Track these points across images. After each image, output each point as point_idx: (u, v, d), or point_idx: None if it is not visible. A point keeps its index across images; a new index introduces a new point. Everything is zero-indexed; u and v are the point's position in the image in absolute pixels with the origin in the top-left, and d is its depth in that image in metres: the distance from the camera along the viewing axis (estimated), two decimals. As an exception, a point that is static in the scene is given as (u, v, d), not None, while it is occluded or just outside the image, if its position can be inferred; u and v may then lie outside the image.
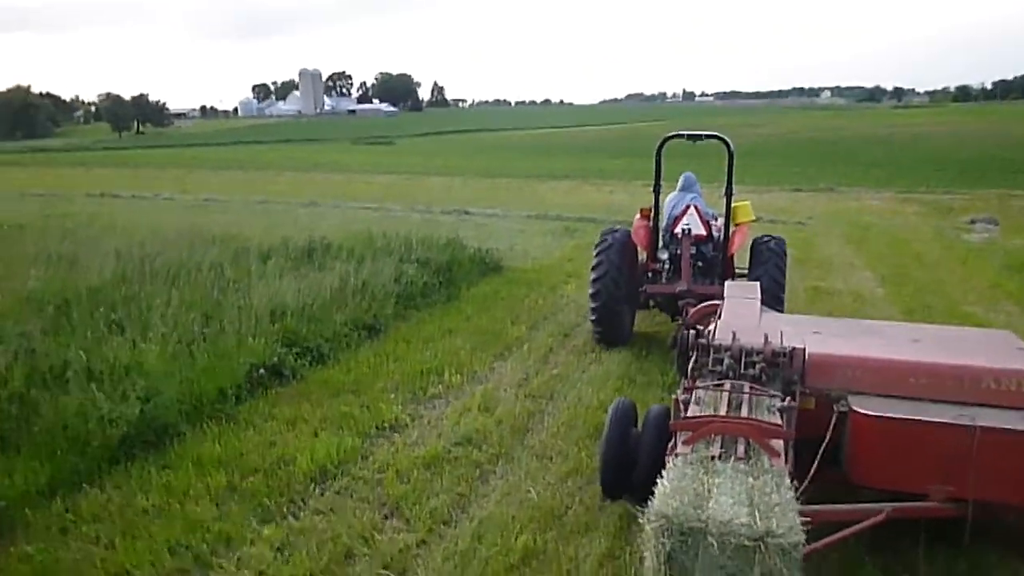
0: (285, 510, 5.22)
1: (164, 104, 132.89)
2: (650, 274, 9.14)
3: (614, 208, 21.59)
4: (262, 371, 7.37)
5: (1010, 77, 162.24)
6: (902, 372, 4.51)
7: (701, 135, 9.26)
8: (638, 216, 9.33)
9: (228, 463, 5.78)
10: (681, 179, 9.55)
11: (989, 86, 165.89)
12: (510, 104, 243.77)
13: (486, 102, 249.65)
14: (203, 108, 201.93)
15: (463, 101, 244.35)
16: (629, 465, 4.67)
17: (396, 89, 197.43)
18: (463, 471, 5.80)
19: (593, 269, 8.70)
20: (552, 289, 11.82)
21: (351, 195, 25.75)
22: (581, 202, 23.87)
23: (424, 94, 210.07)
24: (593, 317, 8.71)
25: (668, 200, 9.45)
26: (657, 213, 9.27)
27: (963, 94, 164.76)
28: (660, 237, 9.29)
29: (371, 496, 5.43)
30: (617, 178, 31.73)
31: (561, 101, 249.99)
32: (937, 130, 63.83)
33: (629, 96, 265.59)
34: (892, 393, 4.44)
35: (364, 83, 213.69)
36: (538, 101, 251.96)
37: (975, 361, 4.56)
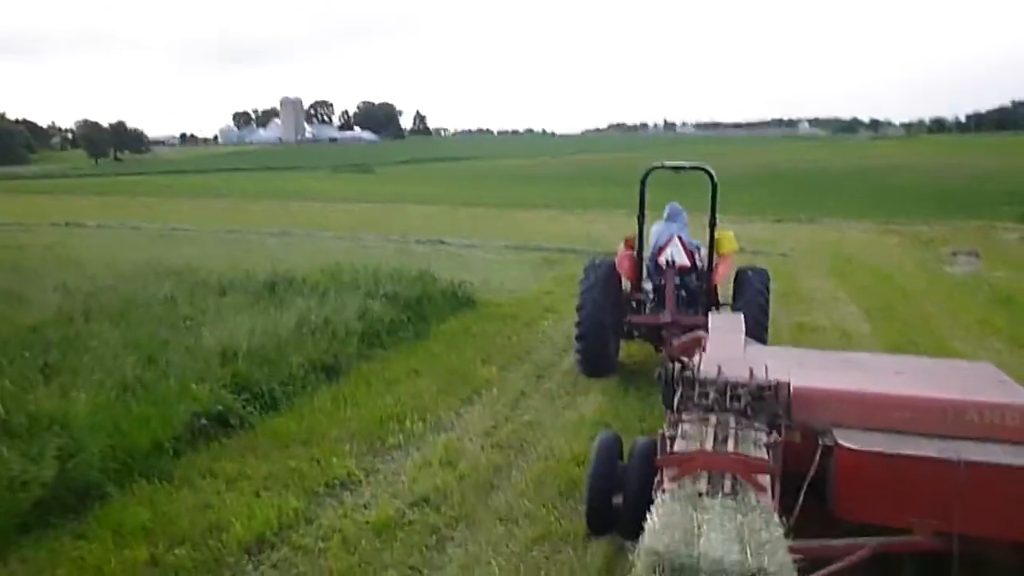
0: (211, 589, 4.60)
1: (142, 131, 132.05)
2: (634, 304, 9.09)
3: (594, 238, 21.15)
4: (205, 421, 6.73)
5: (983, 110, 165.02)
6: (886, 405, 4.49)
7: (685, 166, 9.28)
8: (622, 246, 9.31)
9: (153, 531, 5.13)
10: (667, 209, 9.50)
11: (963, 119, 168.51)
12: (492, 133, 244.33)
13: (468, 131, 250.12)
14: (183, 136, 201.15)
15: (445, 130, 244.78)
16: (615, 499, 4.65)
17: (378, 117, 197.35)
18: (418, 538, 5.19)
19: (579, 306, 8.64)
20: (528, 325, 11.28)
21: (326, 224, 25.20)
22: (561, 232, 23.45)
23: (406, 123, 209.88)
24: (578, 348, 8.64)
25: (653, 230, 9.40)
26: (641, 243, 9.27)
27: (938, 126, 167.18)
28: (645, 267, 9.24)
29: (311, 571, 4.81)
30: (599, 208, 31.40)
31: (543, 130, 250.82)
32: (913, 161, 64.45)
33: (611, 126, 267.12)
34: (877, 426, 4.42)
35: (346, 111, 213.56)
36: (520, 130, 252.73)
37: (959, 394, 4.56)
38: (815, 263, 18.04)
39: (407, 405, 7.61)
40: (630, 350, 9.54)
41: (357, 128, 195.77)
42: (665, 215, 9.47)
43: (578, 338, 8.64)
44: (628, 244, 9.27)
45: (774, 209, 29.52)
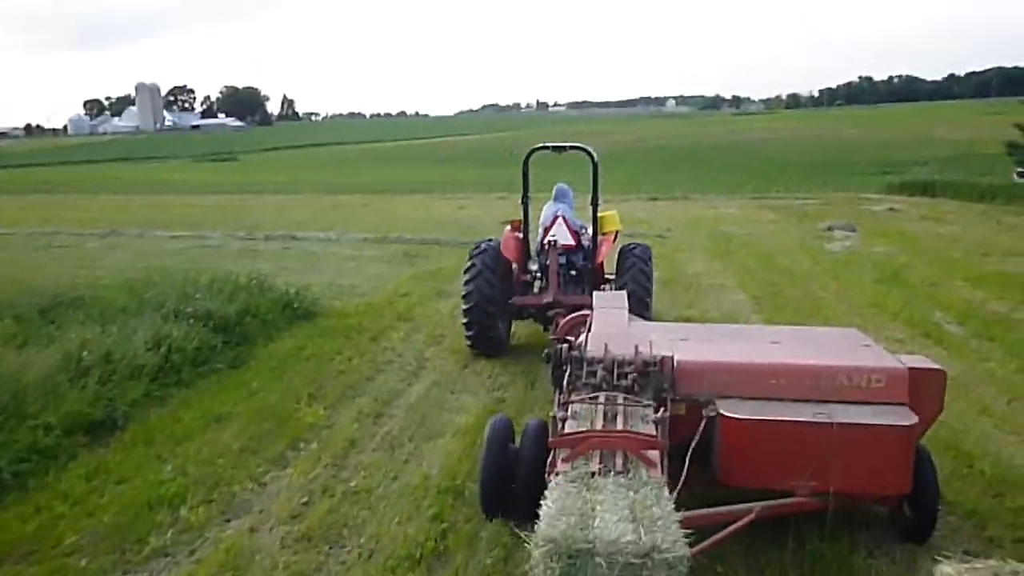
0: None
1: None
2: (521, 285, 9.11)
3: (464, 225, 19.51)
4: None
5: (834, 85, 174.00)
6: (764, 374, 4.67)
7: (565, 146, 9.24)
8: (508, 228, 9.28)
9: None
10: (554, 189, 9.49)
11: (816, 94, 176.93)
12: (365, 117, 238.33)
13: (340, 115, 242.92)
14: (28, 126, 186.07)
15: (315, 115, 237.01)
16: (508, 482, 4.72)
17: (243, 103, 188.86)
18: None
19: (465, 277, 8.54)
20: (374, 339, 9.47)
21: (168, 221, 22.37)
22: (429, 218, 21.66)
23: (273, 108, 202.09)
24: (467, 329, 8.53)
25: (543, 210, 9.42)
26: (527, 224, 9.34)
27: (794, 101, 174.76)
28: (532, 248, 9.30)
29: None
30: (471, 190, 29.73)
31: (417, 112, 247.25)
32: (775, 135, 65.98)
33: (484, 107, 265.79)
34: (756, 395, 4.59)
35: (208, 97, 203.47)
36: (394, 113, 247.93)
37: (829, 360, 4.78)
38: (695, 243, 16.97)
39: (193, 476, 5.68)
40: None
41: (221, 115, 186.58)
42: (552, 196, 9.43)
43: (466, 321, 8.52)
44: (515, 226, 9.26)
45: (647, 186, 28.58)
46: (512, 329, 9.34)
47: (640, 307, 7.67)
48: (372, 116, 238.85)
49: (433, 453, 6.16)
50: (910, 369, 4.66)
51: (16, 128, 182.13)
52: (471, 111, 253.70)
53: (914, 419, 4.41)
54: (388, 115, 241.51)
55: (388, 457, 6.09)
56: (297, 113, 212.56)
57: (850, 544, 4.73)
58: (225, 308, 9.25)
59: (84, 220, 23.09)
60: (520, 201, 9.36)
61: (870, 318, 10.39)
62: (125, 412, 6.77)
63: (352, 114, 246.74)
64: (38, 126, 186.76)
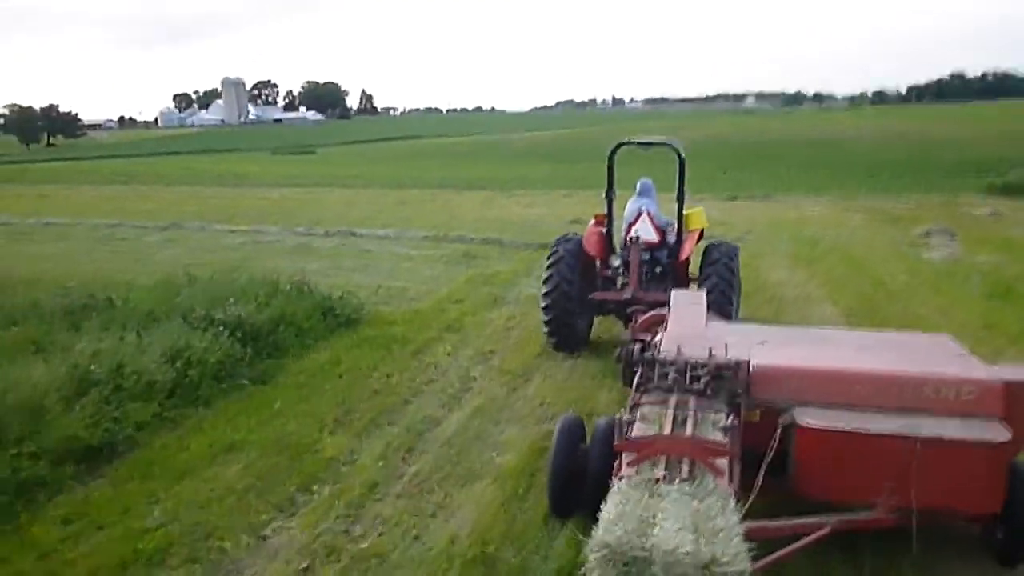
0: None
1: (76, 115, 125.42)
2: (603, 281, 8.92)
3: (528, 225, 18.54)
4: None
5: (923, 82, 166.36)
6: (846, 382, 4.46)
7: (653, 142, 9.23)
8: (592, 222, 9.13)
9: None
10: (638, 184, 9.29)
11: (903, 91, 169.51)
12: (441, 112, 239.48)
13: (417, 110, 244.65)
14: (121, 119, 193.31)
15: (394, 109, 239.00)
16: (578, 482, 4.57)
17: (324, 97, 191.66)
18: None
19: (546, 268, 8.56)
20: (417, 353, 8.59)
21: (231, 214, 22.14)
22: (494, 216, 20.74)
23: (353, 102, 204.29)
24: (546, 322, 8.53)
25: (627, 206, 9.18)
26: (611, 219, 9.15)
27: (880, 98, 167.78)
28: (617, 243, 9.16)
29: None
30: (540, 187, 28.72)
31: (492, 108, 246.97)
32: (861, 133, 62.81)
33: (560, 103, 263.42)
34: (836, 403, 4.37)
35: (291, 91, 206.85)
36: (470, 108, 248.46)
37: (916, 369, 4.53)
38: (777, 248, 15.59)
39: (183, 525, 4.86)
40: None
41: (302, 108, 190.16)
42: (636, 191, 9.20)
43: (545, 311, 8.50)
44: (598, 220, 9.09)
45: (726, 185, 27.05)
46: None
47: (722, 308, 7.49)
48: (448, 111, 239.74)
49: (466, 505, 5.20)
50: (1006, 382, 4.33)
51: (110, 120, 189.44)
52: (546, 107, 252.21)
53: (1007, 435, 4.10)
54: (464, 110, 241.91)
55: (412, 508, 5.16)
56: (376, 108, 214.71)
57: (931, 564, 4.43)
58: (257, 315, 8.51)
59: (150, 212, 23.06)
60: (604, 195, 9.19)
61: (984, 341, 8.95)
62: (128, 437, 6.05)
63: (429, 109, 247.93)
64: (131, 118, 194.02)
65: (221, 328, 8.01)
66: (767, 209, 22.14)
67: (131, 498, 5.24)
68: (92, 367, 6.54)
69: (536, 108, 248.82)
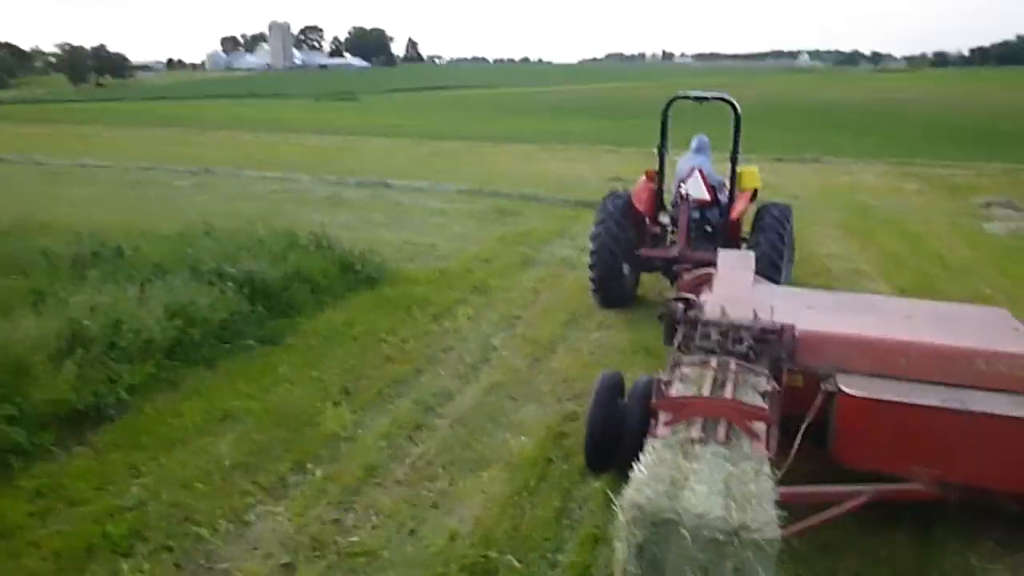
0: None
1: (125, 56, 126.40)
2: (652, 238, 8.80)
3: (567, 181, 17.86)
4: None
5: (987, 44, 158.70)
6: (893, 351, 4.34)
7: (708, 96, 8.95)
8: (643, 177, 8.95)
9: None
10: (694, 141, 9.07)
11: (966, 53, 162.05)
12: (488, 61, 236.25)
13: (463, 59, 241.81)
14: (170, 61, 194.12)
15: (439, 57, 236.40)
16: (615, 438, 4.50)
17: (369, 44, 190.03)
18: None
19: (595, 222, 8.44)
20: (438, 317, 8.10)
21: (266, 160, 21.78)
22: (532, 172, 20.02)
23: (398, 49, 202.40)
24: (592, 277, 8.41)
25: (679, 162, 9.04)
26: (663, 175, 8.96)
27: (941, 60, 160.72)
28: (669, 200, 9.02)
29: None
30: (583, 142, 27.83)
31: (540, 59, 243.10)
32: (919, 97, 60.03)
33: (608, 56, 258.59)
34: (882, 372, 4.27)
35: (336, 37, 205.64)
36: (516, 59, 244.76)
37: (968, 342, 4.39)
38: (827, 217, 14.69)
39: (161, 504, 4.45)
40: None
41: (348, 55, 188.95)
42: (692, 147, 9.01)
43: (591, 266, 8.39)
44: (649, 176, 8.90)
45: (773, 146, 25.86)
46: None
47: (771, 270, 7.28)
48: (495, 61, 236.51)
49: (471, 496, 4.71)
50: None
51: (159, 62, 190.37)
52: (594, 59, 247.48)
53: None
54: (511, 61, 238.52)
55: (411, 496, 4.67)
56: (421, 55, 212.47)
57: (968, 543, 4.28)
58: (271, 270, 8.07)
59: (185, 156, 22.77)
60: (656, 150, 8.96)
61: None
62: (119, 400, 5.64)
63: (475, 58, 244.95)
64: (179, 61, 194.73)
65: (230, 283, 7.58)
66: (816, 173, 21.10)
67: (112, 470, 4.84)
68: (86, 322, 6.14)
69: (585, 60, 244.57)
